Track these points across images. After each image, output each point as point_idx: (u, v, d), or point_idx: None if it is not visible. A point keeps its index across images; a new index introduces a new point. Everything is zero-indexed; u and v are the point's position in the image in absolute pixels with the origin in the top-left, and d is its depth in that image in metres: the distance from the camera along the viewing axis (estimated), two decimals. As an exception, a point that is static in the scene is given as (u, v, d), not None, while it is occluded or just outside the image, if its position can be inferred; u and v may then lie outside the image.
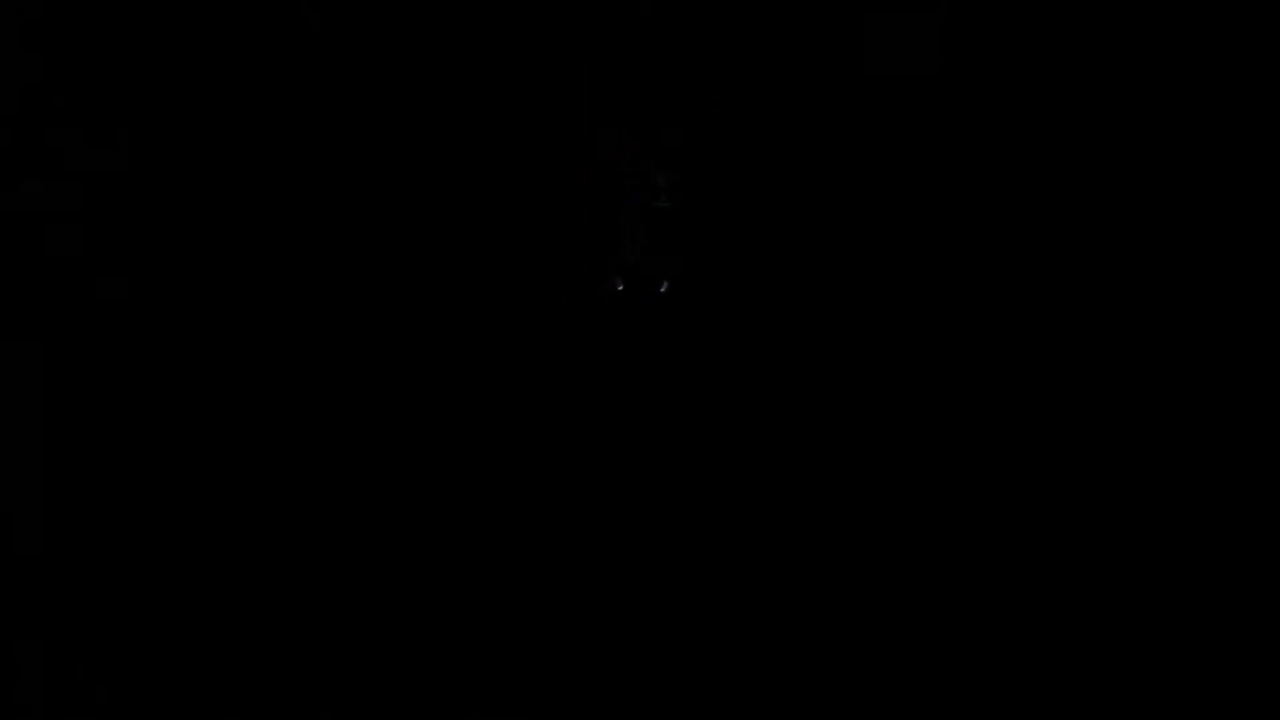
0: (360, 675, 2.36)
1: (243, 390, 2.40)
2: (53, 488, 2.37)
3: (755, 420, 2.41)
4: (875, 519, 2.39)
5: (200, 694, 2.35)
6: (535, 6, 2.43)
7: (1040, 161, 2.41)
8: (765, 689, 2.36)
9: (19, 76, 2.39)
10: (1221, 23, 2.39)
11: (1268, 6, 2.38)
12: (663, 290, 2.43)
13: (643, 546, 2.40)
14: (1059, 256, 2.41)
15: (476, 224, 2.44)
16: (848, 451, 2.40)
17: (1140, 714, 2.32)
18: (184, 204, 2.42)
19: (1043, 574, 2.37)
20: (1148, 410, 2.38)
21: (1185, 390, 2.38)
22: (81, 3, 2.40)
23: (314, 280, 2.42)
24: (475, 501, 2.40)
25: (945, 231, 2.42)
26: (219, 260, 2.42)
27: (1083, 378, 2.39)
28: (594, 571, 2.39)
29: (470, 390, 2.42)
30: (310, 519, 2.39)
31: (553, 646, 2.37)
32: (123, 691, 2.34)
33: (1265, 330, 2.37)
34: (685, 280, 2.44)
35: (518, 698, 2.36)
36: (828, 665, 2.36)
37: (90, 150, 2.41)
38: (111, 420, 2.38)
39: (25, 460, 2.37)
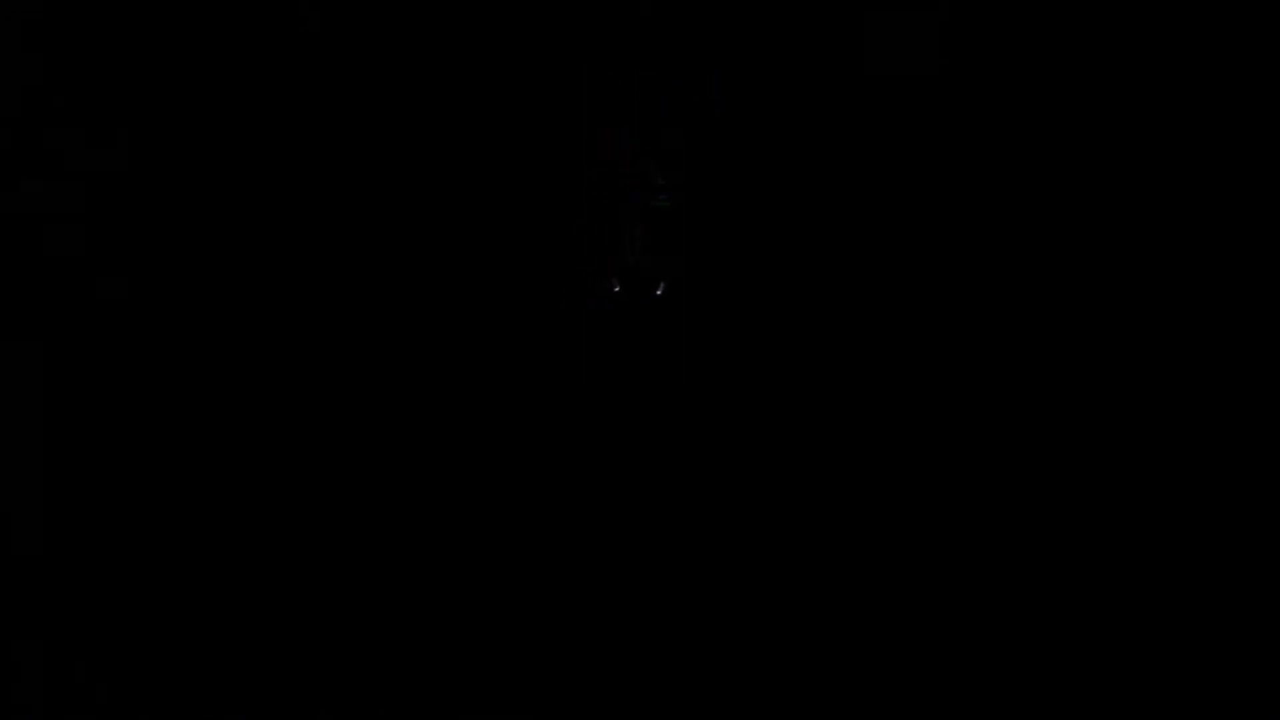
0: (360, 675, 2.36)
1: (243, 390, 2.40)
2: (53, 488, 2.37)
3: (755, 420, 2.41)
4: (875, 519, 2.39)
5: (200, 694, 2.35)
6: (535, 6, 2.43)
7: (1040, 161, 2.41)
8: (765, 689, 2.36)
9: (19, 76, 2.39)
10: (1221, 23, 2.39)
11: (1268, 6, 2.38)
12: (661, 290, 2.43)
13: (643, 546, 2.40)
14: (1059, 256, 2.41)
15: (476, 224, 2.44)
16: (848, 451, 2.40)
17: (1140, 714, 2.32)
18: (184, 204, 2.42)
19: (1043, 574, 2.37)
20: (1148, 410, 2.38)
21: (1186, 390, 2.38)
22: (81, 3, 2.40)
23: (313, 280, 2.43)
24: (475, 501, 2.40)
25: (945, 231, 2.42)
26: (219, 260, 2.42)
27: (1083, 378, 2.39)
28: (594, 571, 2.39)
29: (470, 390, 2.42)
30: (310, 519, 2.39)
31: (553, 646, 2.37)
32: (123, 691, 2.34)
33: (1265, 330, 2.37)
34: (685, 280, 2.44)
35: (518, 698, 2.36)
36: (828, 665, 2.36)
37: (90, 150, 2.41)
38: (111, 420, 2.39)
39: (25, 460, 2.37)
